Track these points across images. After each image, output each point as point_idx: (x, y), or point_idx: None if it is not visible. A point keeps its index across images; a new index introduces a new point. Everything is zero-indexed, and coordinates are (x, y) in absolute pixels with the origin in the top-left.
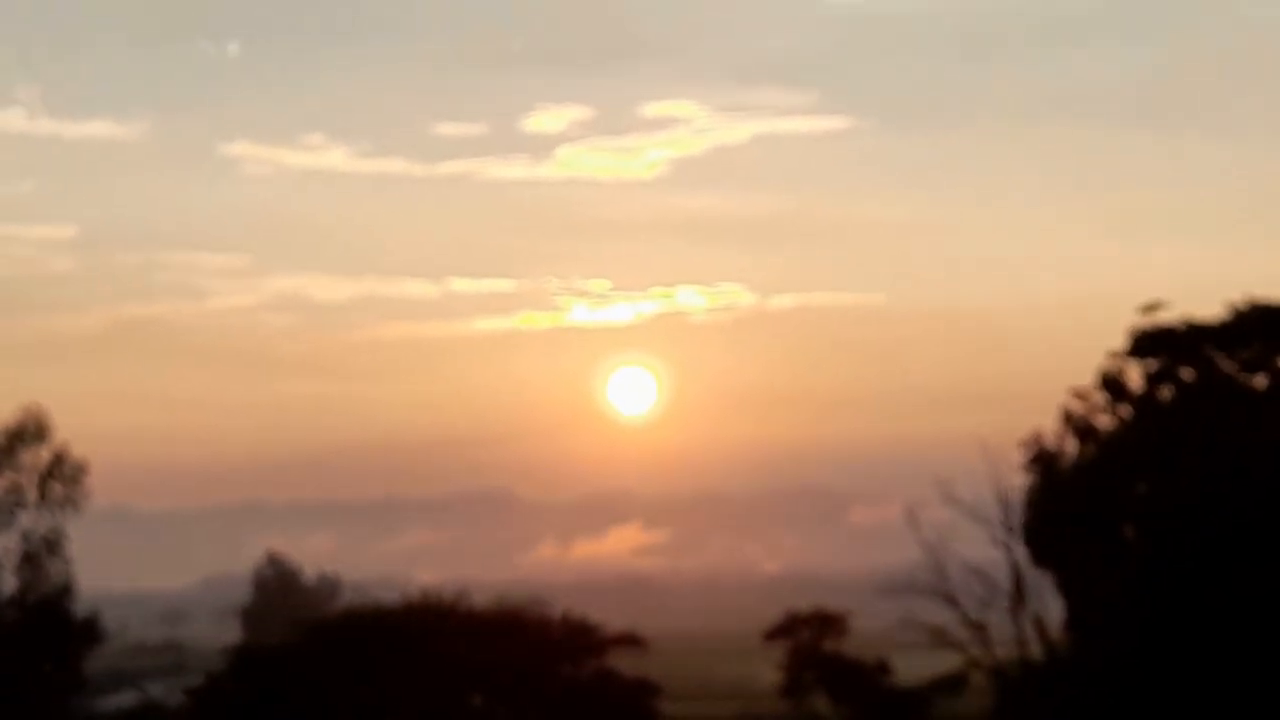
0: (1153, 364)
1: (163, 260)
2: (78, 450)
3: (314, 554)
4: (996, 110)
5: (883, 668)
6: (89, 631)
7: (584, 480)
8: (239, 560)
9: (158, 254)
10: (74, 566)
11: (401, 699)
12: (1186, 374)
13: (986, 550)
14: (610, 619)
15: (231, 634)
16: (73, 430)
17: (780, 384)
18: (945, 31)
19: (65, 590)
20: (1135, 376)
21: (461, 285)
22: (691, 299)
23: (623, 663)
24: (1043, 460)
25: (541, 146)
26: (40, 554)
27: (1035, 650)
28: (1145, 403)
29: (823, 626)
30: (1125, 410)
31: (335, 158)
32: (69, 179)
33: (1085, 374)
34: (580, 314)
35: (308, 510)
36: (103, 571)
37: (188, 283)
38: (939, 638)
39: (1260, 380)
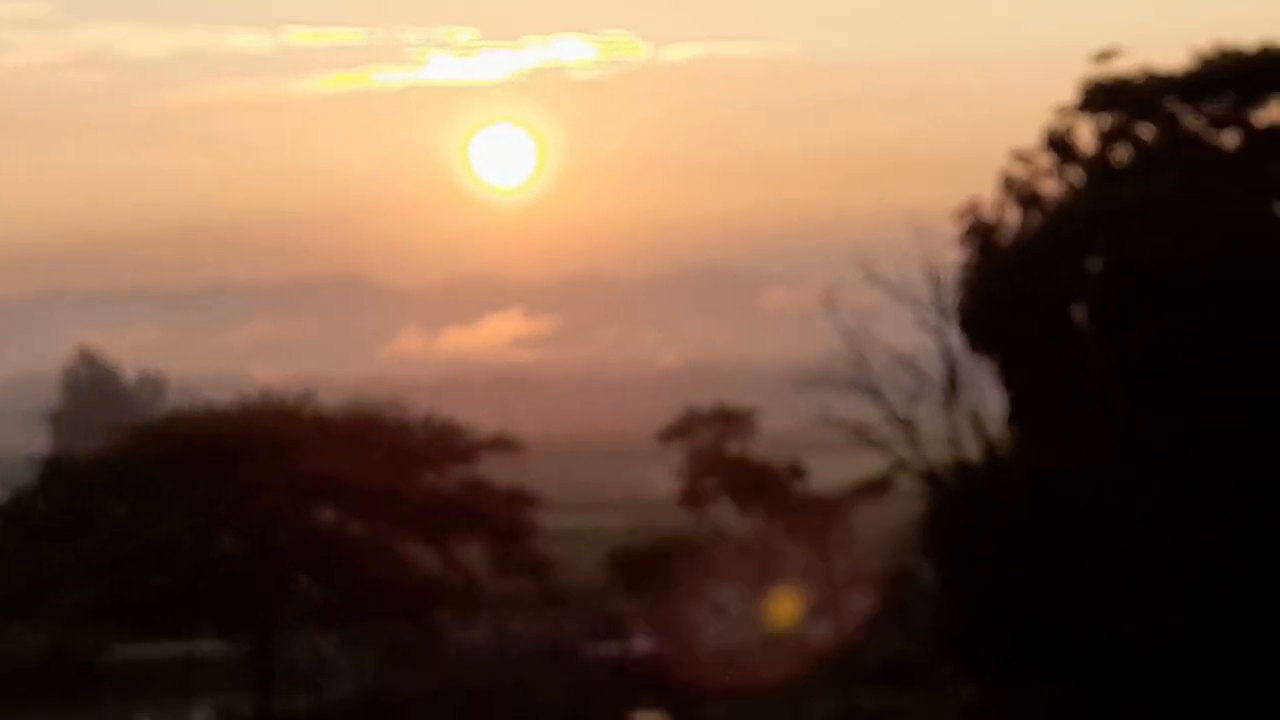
0: (1107, 120)
1: None
2: None
3: (134, 349)
4: None
5: (796, 471)
6: None
7: (450, 263)
8: (46, 358)
9: None
10: None
11: (237, 517)
12: (1145, 132)
13: (916, 336)
14: (482, 420)
15: (39, 443)
16: None
17: (678, 150)
18: None
19: None
20: (1086, 135)
21: (301, 37)
22: (573, 50)
23: (496, 470)
24: (980, 233)
25: None
26: None
27: (971, 450)
28: (1098, 165)
29: (726, 425)
30: (1075, 174)
31: None
32: None
33: (1029, 134)
34: (441, 68)
35: (125, 300)
36: None
37: None
38: (860, 436)
39: (1230, 138)
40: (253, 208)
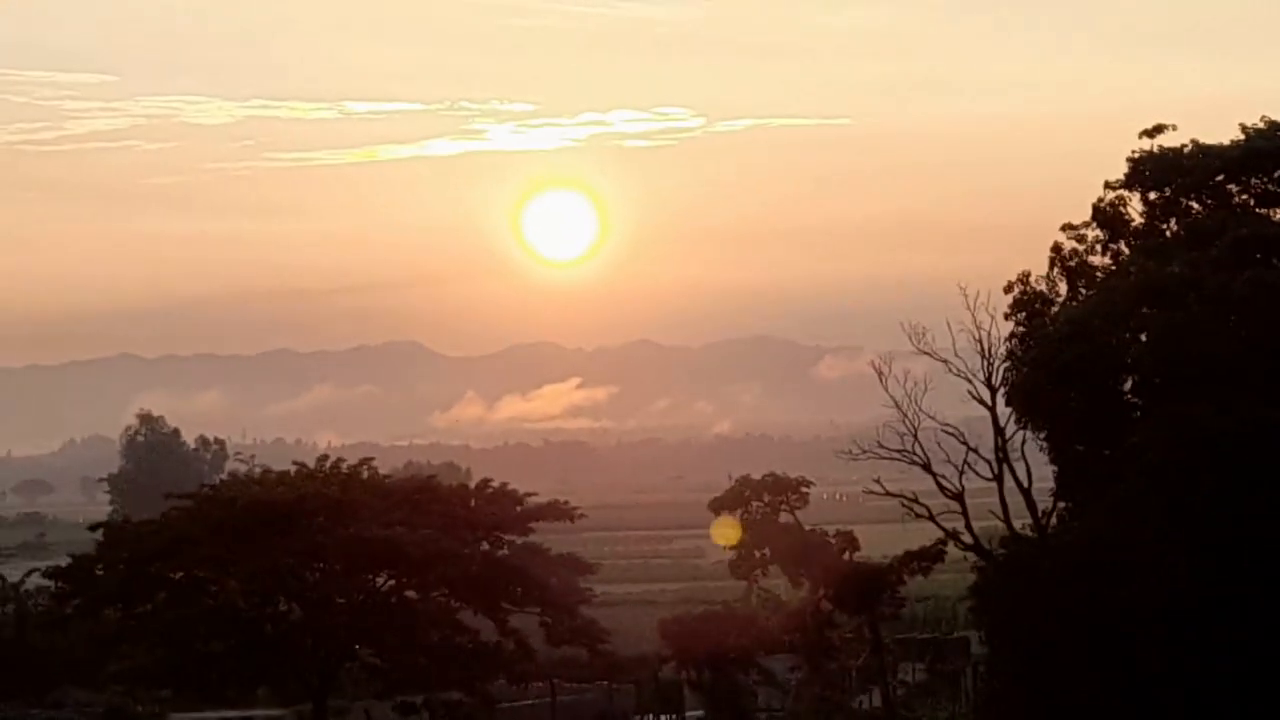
0: (1156, 194)
1: (10, 80)
2: None
3: (196, 415)
4: None
5: (847, 541)
6: None
7: (506, 331)
8: (108, 423)
9: (4, 72)
10: None
11: (294, 583)
12: (1195, 206)
13: (966, 408)
14: (538, 487)
15: (99, 507)
16: None
17: (732, 220)
18: None
19: None
20: (1136, 208)
21: (360, 108)
22: (628, 122)
23: (551, 537)
24: (1029, 304)
25: None
26: None
27: (1020, 521)
28: (1147, 238)
29: (778, 495)
30: (1124, 247)
31: None
32: None
33: (1079, 208)
34: (499, 140)
35: (187, 366)
36: None
37: (41, 105)
38: (911, 507)
39: (1278, 213)
40: (313, 275)
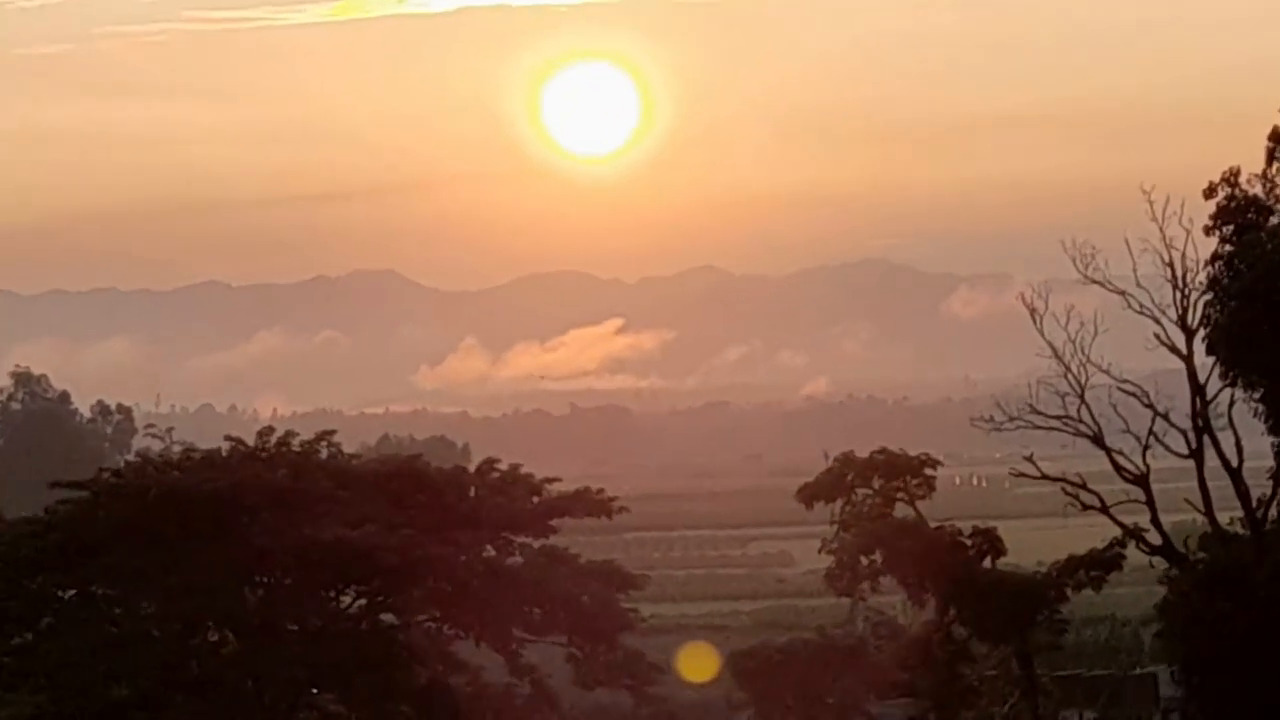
0: None
1: None
2: None
3: (93, 373)
4: None
5: (988, 542)
6: None
7: (518, 256)
8: None
9: None
10: None
11: (228, 605)
12: None
13: (1153, 358)
14: (563, 470)
15: None
16: None
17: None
18: None
19: None
20: None
21: None
22: None
23: (582, 540)
24: (1240, 215)
25: None
26: None
27: (1228, 516)
28: None
29: (895, 478)
30: None
31: None
32: None
33: None
34: None
35: (80, 305)
36: None
37: None
38: (1077, 496)
39: None
40: (252, 181)
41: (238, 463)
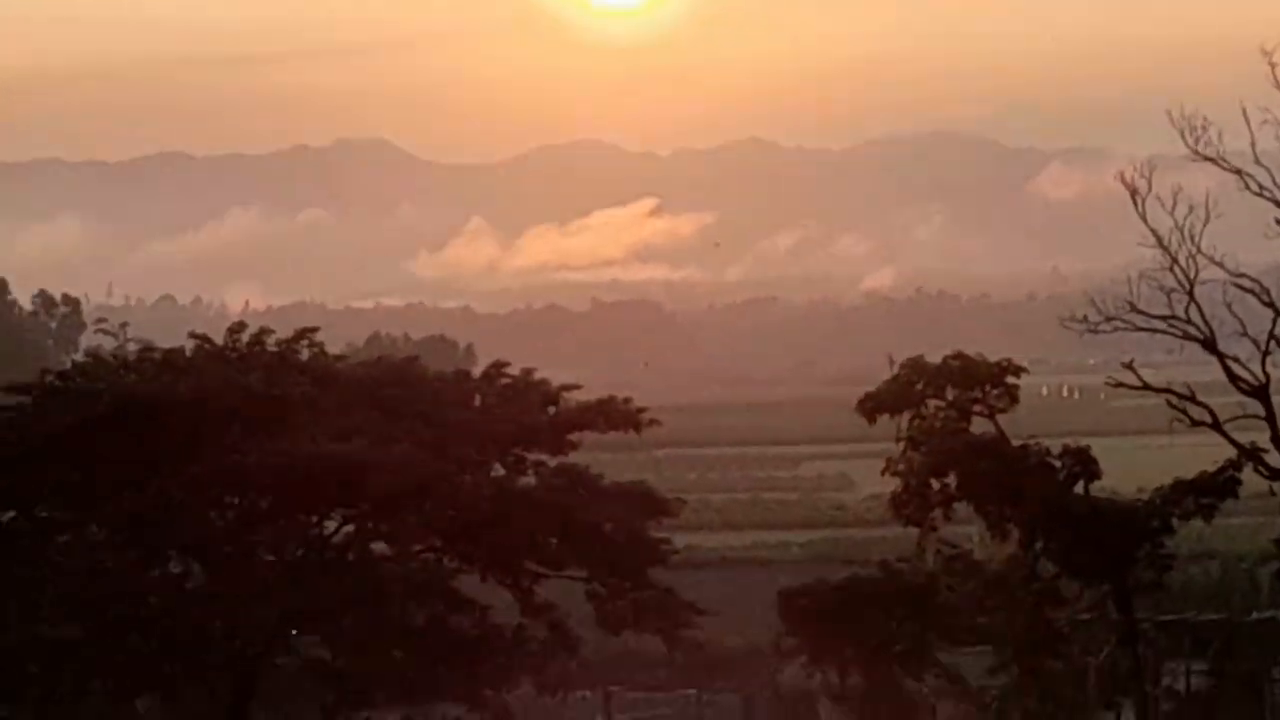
0: None
1: None
2: None
3: (35, 257)
4: None
5: (1081, 463)
6: None
7: (531, 124)
8: None
9: None
10: None
11: (192, 533)
12: None
13: (1273, 248)
14: (584, 375)
15: None
16: None
17: None
18: None
19: None
20: None
21: None
22: None
23: (605, 458)
24: None
25: None
26: None
27: None
28: None
29: (971, 388)
30: None
31: None
32: None
33: None
34: None
35: (19, 177)
36: None
37: None
38: (1185, 410)
39: None
40: (222, 36)
41: (203, 364)
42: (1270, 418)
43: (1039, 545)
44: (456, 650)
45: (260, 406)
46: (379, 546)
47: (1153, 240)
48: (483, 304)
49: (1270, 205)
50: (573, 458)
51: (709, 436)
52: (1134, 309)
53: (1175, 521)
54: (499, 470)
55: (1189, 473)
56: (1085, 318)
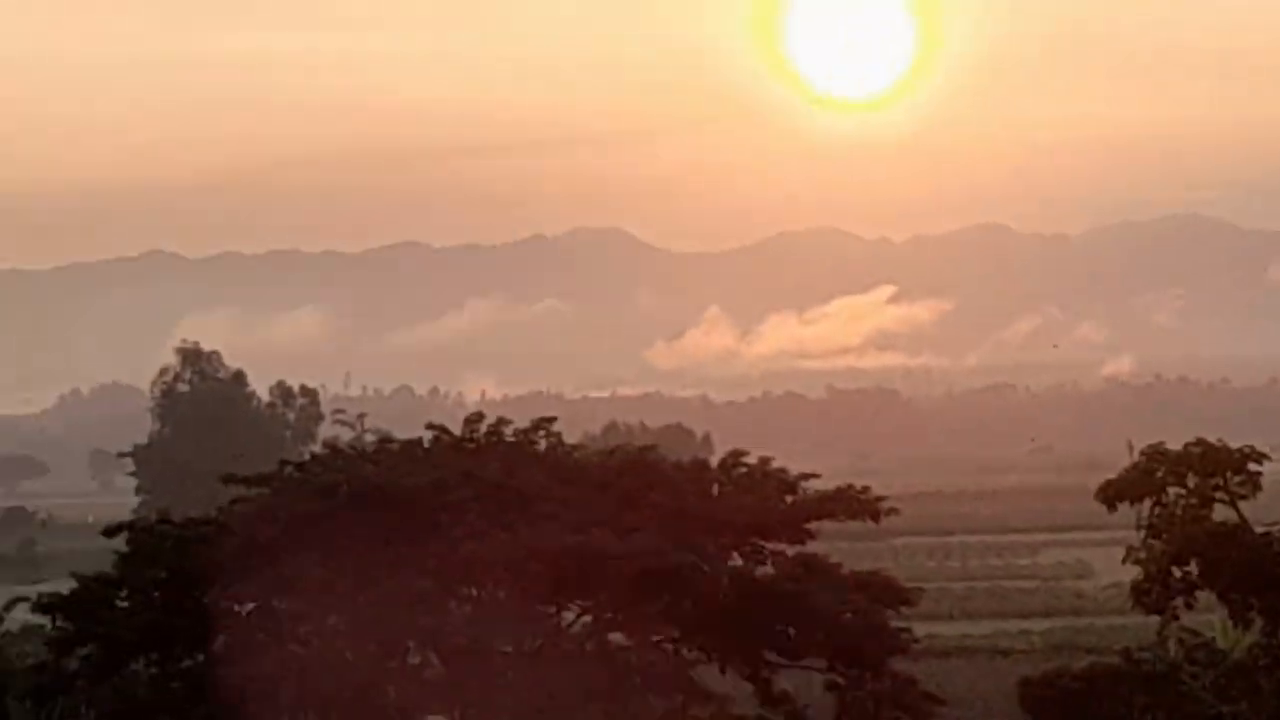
0: None
1: None
2: None
3: (273, 349)
4: None
5: None
6: None
7: (767, 213)
8: (130, 363)
9: None
10: None
11: (430, 619)
12: None
13: None
14: (820, 464)
15: (118, 496)
16: None
17: (1129, 25)
18: None
19: None
20: None
21: None
22: None
23: (843, 546)
24: None
25: None
26: None
27: None
28: None
29: (1214, 474)
30: None
31: None
32: None
33: None
34: None
35: (256, 269)
36: None
37: None
38: None
39: None
40: (460, 128)
41: (441, 455)
42: None
43: None
44: None
45: (498, 497)
46: (616, 637)
47: None
48: (720, 392)
49: None
50: (811, 547)
51: (947, 524)
52: None
53: None
54: (737, 560)
55: None
56: None
